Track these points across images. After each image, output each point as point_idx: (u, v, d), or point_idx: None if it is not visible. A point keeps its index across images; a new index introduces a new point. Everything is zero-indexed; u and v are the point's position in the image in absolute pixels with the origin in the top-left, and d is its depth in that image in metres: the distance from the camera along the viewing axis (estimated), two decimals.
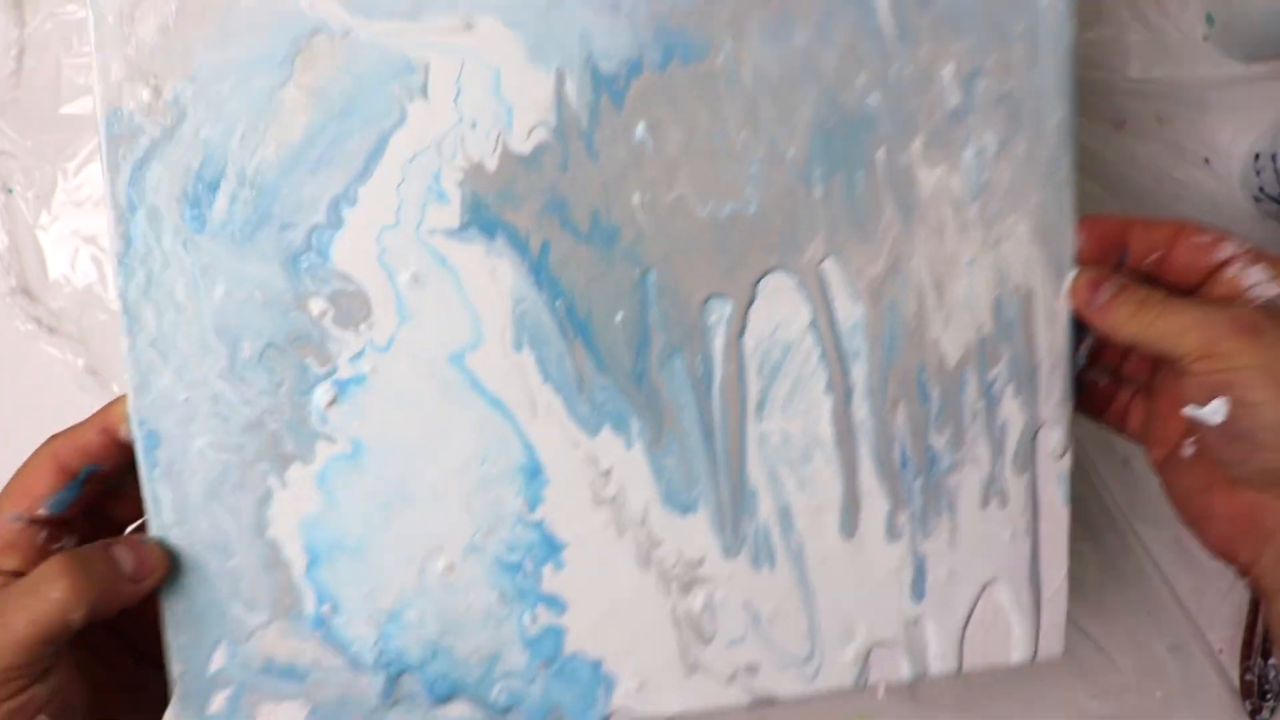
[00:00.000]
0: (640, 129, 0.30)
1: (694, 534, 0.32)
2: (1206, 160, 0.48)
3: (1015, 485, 0.33)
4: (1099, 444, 0.46)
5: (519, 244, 0.31)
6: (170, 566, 0.29)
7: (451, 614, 0.31)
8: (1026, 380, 0.33)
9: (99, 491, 0.30)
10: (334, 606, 0.30)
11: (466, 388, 0.30)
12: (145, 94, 0.28)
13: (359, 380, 0.30)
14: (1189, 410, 0.29)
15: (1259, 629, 0.47)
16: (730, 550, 0.32)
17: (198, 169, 0.28)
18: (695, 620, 0.32)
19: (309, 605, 0.30)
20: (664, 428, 0.32)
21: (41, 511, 0.28)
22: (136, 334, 0.28)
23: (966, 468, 0.33)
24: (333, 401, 0.30)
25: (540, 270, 0.31)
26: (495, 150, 0.30)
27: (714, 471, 0.32)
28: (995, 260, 0.32)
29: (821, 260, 0.32)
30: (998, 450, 0.33)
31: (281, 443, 0.29)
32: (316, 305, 0.29)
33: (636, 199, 0.31)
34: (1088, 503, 0.46)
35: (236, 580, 0.29)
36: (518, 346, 0.31)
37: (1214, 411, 0.28)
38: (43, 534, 0.28)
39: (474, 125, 0.30)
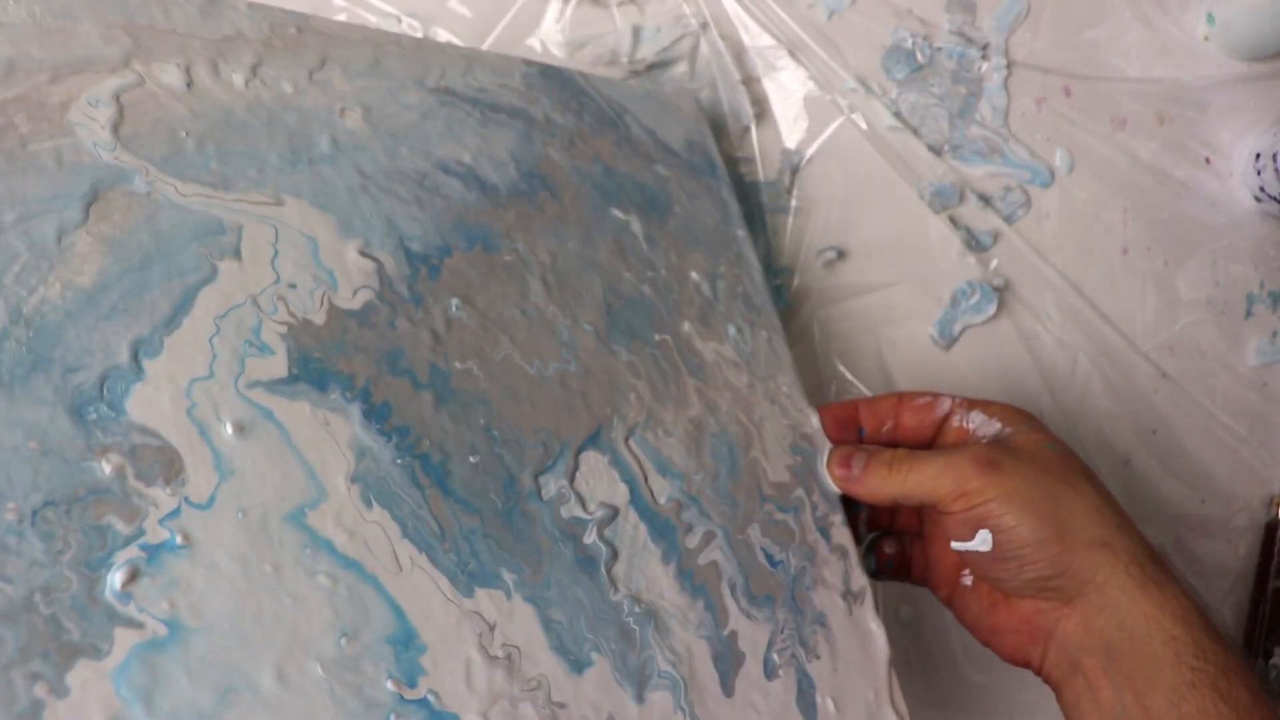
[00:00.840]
0: (455, 302, 0.32)
1: (596, 692, 0.29)
2: (1207, 160, 0.48)
3: (860, 580, 0.36)
4: (1098, 443, 0.46)
5: (354, 394, 0.29)
6: None
7: None
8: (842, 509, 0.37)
9: None
10: None
11: (311, 550, 0.26)
12: None
13: (172, 546, 0.24)
14: (956, 545, 0.32)
15: (1259, 629, 0.47)
16: (640, 696, 0.29)
17: None
18: None
19: None
20: (542, 567, 0.29)
21: None
22: None
23: (820, 590, 0.34)
24: (136, 574, 0.24)
25: (380, 419, 0.29)
26: (321, 306, 0.29)
27: (603, 619, 0.30)
28: (780, 411, 0.37)
29: (628, 438, 0.33)
30: (843, 558, 0.35)
31: (62, 631, 0.22)
32: (113, 460, 0.24)
33: (467, 357, 0.32)
34: None
35: None
36: (367, 503, 0.27)
37: (982, 542, 0.31)
38: None
39: (294, 286, 0.29)
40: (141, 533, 0.24)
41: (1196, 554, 0.47)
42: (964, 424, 0.34)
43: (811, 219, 0.45)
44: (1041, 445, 0.33)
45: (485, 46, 0.45)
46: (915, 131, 0.46)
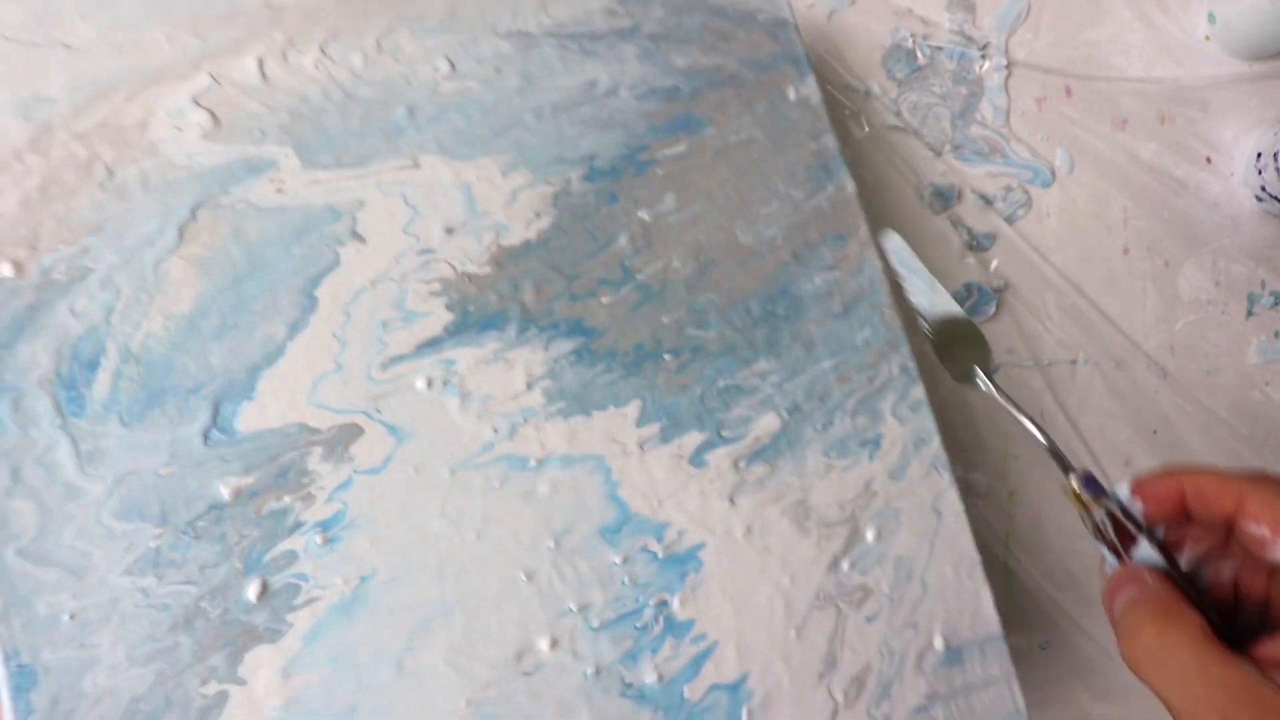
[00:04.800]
0: (670, 198, 0.34)
1: (851, 476, 0.33)
2: (1208, 159, 0.48)
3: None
4: (1099, 444, 0.46)
5: (537, 323, 0.30)
6: None
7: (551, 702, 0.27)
8: None
9: None
10: None
11: (509, 476, 0.29)
12: (6, 269, 0.25)
13: (338, 519, 0.26)
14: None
15: None
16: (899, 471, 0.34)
17: (71, 348, 0.25)
18: (849, 587, 0.32)
19: None
20: (796, 377, 0.34)
21: None
22: (2, 541, 0.23)
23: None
24: (309, 551, 0.26)
25: (576, 334, 0.31)
26: (487, 251, 0.30)
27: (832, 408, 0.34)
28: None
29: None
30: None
31: (236, 624, 0.24)
32: (238, 472, 0.26)
33: (670, 244, 0.34)
34: None
35: None
36: (585, 411, 0.30)
37: None
38: None
39: (432, 250, 0.30)
40: (300, 524, 0.26)
41: None
42: None
43: None
44: None
45: None
46: (916, 131, 0.46)
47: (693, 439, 0.31)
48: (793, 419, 0.33)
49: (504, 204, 0.31)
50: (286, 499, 0.26)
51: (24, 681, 0.23)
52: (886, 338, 0.36)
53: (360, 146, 0.30)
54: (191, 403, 0.26)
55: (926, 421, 0.36)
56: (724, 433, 0.32)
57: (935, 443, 0.35)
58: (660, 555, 0.30)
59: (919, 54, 0.46)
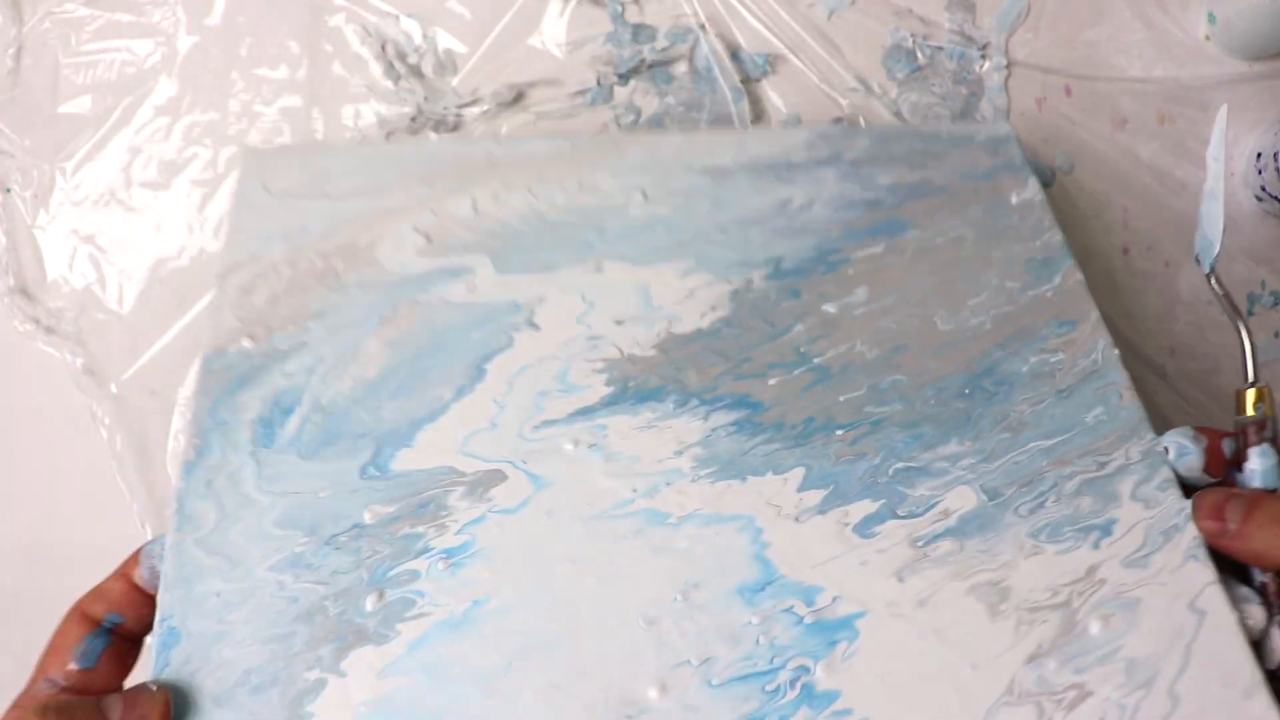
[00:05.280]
0: (861, 291, 0.34)
1: (1068, 560, 0.29)
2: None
3: None
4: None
5: (696, 397, 0.31)
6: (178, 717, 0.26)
7: None
8: None
9: (132, 642, 0.29)
10: None
11: (652, 524, 0.29)
12: (246, 342, 0.32)
13: (464, 549, 0.29)
14: None
15: None
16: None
17: (275, 398, 0.31)
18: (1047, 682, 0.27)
19: None
20: (982, 445, 0.31)
21: (71, 666, 0.27)
22: (186, 532, 0.29)
23: None
24: (428, 573, 0.28)
25: (750, 405, 0.31)
26: (656, 339, 0.33)
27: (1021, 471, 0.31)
28: None
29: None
30: None
31: (350, 625, 0.27)
32: (381, 501, 0.29)
33: (863, 328, 0.33)
34: None
35: None
36: (741, 475, 0.30)
37: None
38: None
39: (598, 338, 0.33)
40: (428, 549, 0.28)
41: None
42: None
43: None
44: None
45: (485, 46, 0.45)
46: None
47: (862, 508, 0.29)
48: (991, 502, 0.30)
49: (679, 299, 0.34)
50: (421, 527, 0.29)
51: (170, 640, 0.27)
52: (1126, 420, 0.32)
53: (549, 256, 0.35)
54: (358, 444, 0.30)
55: (1176, 501, 0.30)
56: (899, 510, 0.29)
57: (1190, 530, 0.29)
58: (807, 619, 0.27)
59: (919, 54, 0.46)
